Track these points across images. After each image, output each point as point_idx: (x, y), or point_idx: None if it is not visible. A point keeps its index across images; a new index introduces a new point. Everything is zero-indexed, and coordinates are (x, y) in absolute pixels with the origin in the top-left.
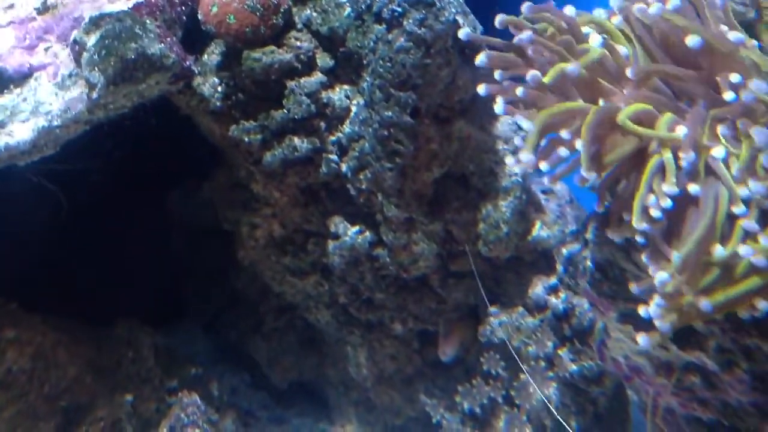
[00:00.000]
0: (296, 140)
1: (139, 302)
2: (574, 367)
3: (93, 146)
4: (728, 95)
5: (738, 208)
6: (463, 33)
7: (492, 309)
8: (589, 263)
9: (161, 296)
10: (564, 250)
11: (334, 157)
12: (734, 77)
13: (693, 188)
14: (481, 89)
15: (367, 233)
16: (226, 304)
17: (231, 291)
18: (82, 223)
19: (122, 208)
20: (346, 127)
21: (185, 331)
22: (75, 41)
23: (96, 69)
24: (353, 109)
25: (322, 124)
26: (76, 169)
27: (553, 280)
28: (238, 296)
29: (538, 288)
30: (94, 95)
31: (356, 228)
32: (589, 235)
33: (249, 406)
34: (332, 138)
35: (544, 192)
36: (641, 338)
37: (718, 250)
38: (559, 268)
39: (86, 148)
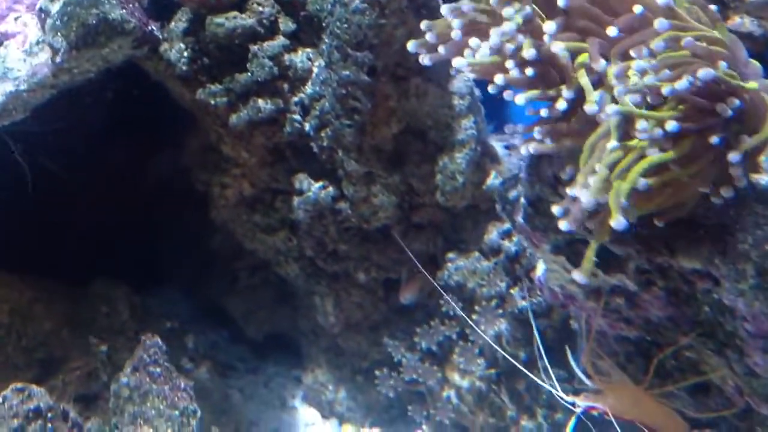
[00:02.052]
0: (260, 102)
1: (122, 267)
2: (524, 303)
3: (74, 111)
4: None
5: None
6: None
7: (450, 255)
8: (522, 200)
9: (144, 260)
10: (502, 190)
11: (297, 117)
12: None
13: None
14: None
15: (330, 188)
16: (205, 264)
17: (209, 252)
18: (65, 187)
19: (104, 173)
20: (308, 88)
21: (167, 292)
22: (41, 9)
23: (59, 34)
24: (315, 70)
25: (285, 86)
26: (58, 132)
27: (506, 225)
28: (215, 256)
29: (492, 234)
30: (58, 59)
31: (319, 183)
32: (522, 175)
33: (227, 359)
34: (295, 99)
35: (507, 147)
36: (575, 274)
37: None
38: (498, 206)
39: (67, 112)
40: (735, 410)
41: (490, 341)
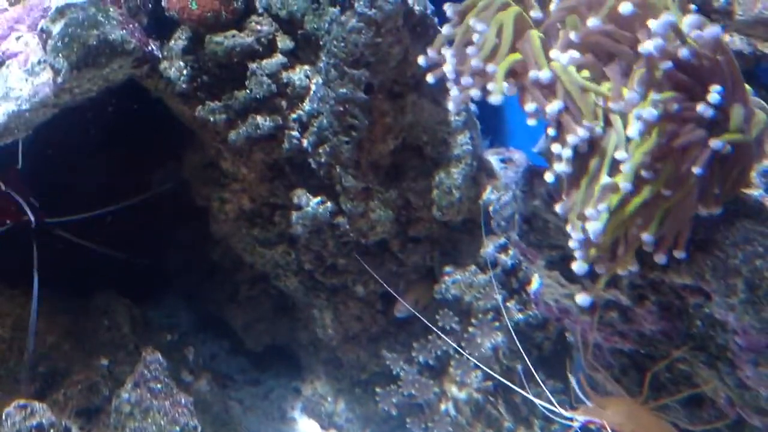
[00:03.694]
0: (259, 118)
1: (126, 278)
2: (520, 316)
3: (74, 126)
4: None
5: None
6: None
7: (447, 268)
8: (517, 216)
9: (147, 272)
10: (497, 206)
11: (295, 133)
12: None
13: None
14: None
15: (328, 203)
16: (205, 276)
17: (209, 264)
18: (70, 204)
19: (106, 186)
20: (306, 105)
21: (168, 304)
22: (42, 30)
23: (60, 55)
24: (313, 87)
25: (284, 103)
26: (58, 146)
27: (502, 239)
28: (216, 268)
29: (489, 247)
30: (59, 80)
31: (318, 199)
32: (517, 191)
33: (227, 371)
34: (293, 115)
35: (503, 161)
36: (580, 298)
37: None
38: (493, 223)
39: (68, 127)
40: (727, 422)
41: (480, 365)
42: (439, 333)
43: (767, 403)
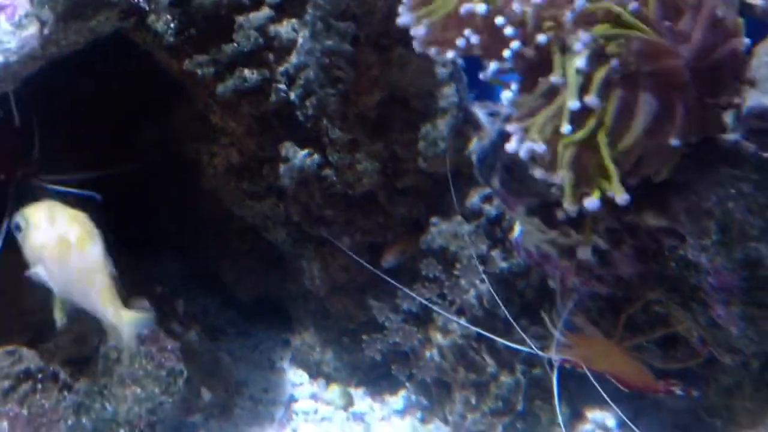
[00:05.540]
0: (246, 72)
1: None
2: (504, 264)
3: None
4: None
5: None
6: None
7: (433, 219)
8: (498, 164)
9: (138, 227)
10: (480, 156)
11: (282, 86)
12: None
13: None
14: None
15: (315, 155)
16: (197, 230)
17: (200, 218)
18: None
19: (94, 140)
20: (293, 58)
21: (159, 258)
22: None
23: (46, 7)
24: (299, 41)
25: (271, 56)
26: (46, 96)
27: (487, 189)
28: (206, 222)
29: (474, 198)
30: (46, 32)
31: (305, 151)
32: (499, 140)
33: (217, 323)
34: (281, 69)
35: (490, 114)
36: (581, 251)
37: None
38: (476, 172)
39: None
40: (699, 360)
41: (458, 319)
42: (413, 294)
43: (738, 342)
